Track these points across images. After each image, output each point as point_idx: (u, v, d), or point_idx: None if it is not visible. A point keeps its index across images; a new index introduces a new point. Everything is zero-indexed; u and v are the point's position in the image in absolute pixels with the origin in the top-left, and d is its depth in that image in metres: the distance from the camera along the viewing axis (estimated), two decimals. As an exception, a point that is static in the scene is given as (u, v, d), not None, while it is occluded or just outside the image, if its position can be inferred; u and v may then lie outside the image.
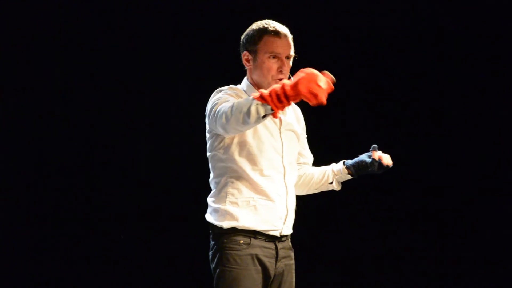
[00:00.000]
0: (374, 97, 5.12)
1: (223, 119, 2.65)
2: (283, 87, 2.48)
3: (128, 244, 5.00)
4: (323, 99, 2.44)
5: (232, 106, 2.61)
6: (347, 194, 3.43)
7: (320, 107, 2.51)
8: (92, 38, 4.98)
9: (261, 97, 2.52)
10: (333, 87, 2.48)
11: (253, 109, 2.53)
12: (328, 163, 3.16)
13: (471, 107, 5.06)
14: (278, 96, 2.48)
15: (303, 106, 3.16)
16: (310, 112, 3.12)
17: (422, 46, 5.07)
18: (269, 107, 2.51)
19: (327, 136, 4.74)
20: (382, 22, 5.06)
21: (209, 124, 2.88)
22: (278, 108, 2.51)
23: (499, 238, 5.02)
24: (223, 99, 2.78)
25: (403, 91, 5.11)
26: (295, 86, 2.46)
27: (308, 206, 3.28)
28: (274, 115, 2.55)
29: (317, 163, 3.20)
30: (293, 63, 2.95)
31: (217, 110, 2.72)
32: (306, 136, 3.15)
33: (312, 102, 2.46)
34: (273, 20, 2.96)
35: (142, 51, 5.00)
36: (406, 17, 5.07)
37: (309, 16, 4.99)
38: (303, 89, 2.44)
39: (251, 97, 2.56)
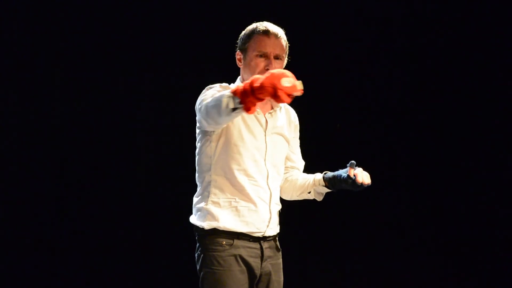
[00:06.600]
0: (372, 98, 5.12)
1: (205, 111, 2.72)
2: (251, 81, 2.54)
3: (121, 243, 5.02)
4: (285, 98, 2.50)
5: (213, 98, 2.68)
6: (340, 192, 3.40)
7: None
8: (91, 38, 4.98)
9: (235, 91, 2.59)
10: (297, 90, 2.50)
11: (224, 100, 2.59)
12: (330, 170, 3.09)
13: (470, 106, 5.06)
14: (245, 89, 2.55)
15: (303, 110, 3.19)
16: (309, 117, 3.10)
17: (422, 48, 5.08)
18: (237, 100, 2.56)
19: (325, 141, 4.74)
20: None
21: (197, 120, 2.90)
22: (245, 103, 2.55)
23: (499, 238, 5.03)
24: (210, 95, 2.80)
25: (404, 93, 5.11)
26: (260, 80, 2.52)
27: (298, 206, 3.27)
28: (248, 111, 2.58)
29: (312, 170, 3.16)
30: (290, 65, 2.97)
31: (203, 104, 2.77)
32: (299, 141, 3.13)
33: (275, 99, 2.51)
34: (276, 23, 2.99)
35: (142, 50, 5.01)
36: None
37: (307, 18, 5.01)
38: (267, 83, 2.49)
39: (229, 90, 2.63)
